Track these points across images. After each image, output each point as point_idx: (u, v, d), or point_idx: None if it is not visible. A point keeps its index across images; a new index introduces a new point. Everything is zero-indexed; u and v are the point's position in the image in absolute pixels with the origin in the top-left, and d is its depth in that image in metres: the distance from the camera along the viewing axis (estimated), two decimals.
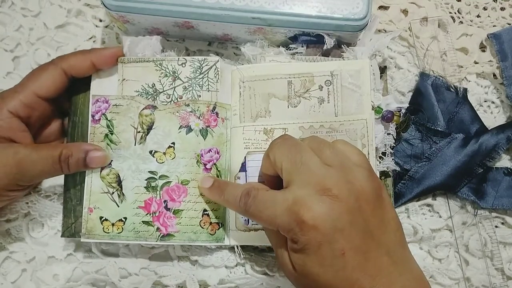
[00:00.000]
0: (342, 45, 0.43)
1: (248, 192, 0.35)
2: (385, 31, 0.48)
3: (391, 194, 0.43)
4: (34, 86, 0.39)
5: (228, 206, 0.40)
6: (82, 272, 0.44)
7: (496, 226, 0.46)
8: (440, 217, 0.46)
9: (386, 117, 0.42)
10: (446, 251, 0.45)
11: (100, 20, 0.49)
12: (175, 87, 0.42)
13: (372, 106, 0.42)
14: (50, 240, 0.45)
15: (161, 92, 0.42)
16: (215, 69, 0.43)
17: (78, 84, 0.42)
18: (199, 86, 0.42)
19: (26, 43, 0.47)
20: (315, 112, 0.42)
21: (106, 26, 0.49)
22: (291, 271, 0.34)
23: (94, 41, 0.48)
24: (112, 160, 0.41)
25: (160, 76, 0.42)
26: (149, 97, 0.42)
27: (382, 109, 0.42)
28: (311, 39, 0.43)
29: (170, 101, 0.42)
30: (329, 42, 0.42)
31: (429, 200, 0.46)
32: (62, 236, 0.42)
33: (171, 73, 0.42)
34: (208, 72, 0.43)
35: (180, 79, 0.42)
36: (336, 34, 0.42)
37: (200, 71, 0.43)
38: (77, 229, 0.42)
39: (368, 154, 0.41)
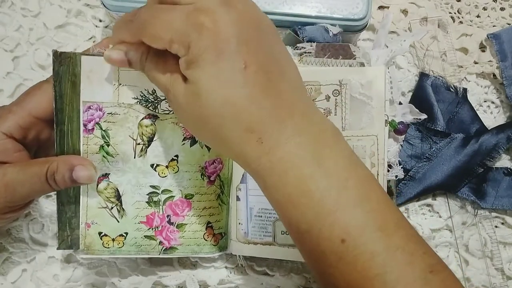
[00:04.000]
0: (355, 45, 0.41)
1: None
2: None
3: (394, 194, 0.43)
4: (29, 106, 0.37)
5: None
6: (82, 272, 0.44)
7: (496, 226, 0.46)
8: (440, 217, 0.46)
9: (399, 131, 0.40)
10: (446, 251, 0.45)
11: (100, 20, 0.49)
12: None
13: (386, 120, 0.39)
14: (50, 241, 0.45)
15: (163, 99, 0.38)
16: None
17: (63, 90, 0.37)
18: None
19: (26, 43, 0.47)
20: None
21: (106, 26, 0.49)
22: (180, 97, 0.30)
23: (94, 41, 0.48)
24: (109, 174, 0.39)
25: None
26: (149, 105, 0.38)
27: (397, 124, 0.40)
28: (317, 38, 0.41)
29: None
30: (335, 30, 0.40)
31: (429, 200, 0.46)
32: (58, 249, 0.39)
33: None
34: None
35: None
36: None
37: None
38: (74, 241, 0.39)
39: (378, 174, 0.38)
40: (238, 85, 0.28)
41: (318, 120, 0.31)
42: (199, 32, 0.28)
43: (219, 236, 0.42)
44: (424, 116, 0.42)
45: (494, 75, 0.48)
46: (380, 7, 0.49)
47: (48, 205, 0.45)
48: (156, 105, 0.38)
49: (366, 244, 0.28)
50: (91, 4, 0.49)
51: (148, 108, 0.38)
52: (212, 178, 0.41)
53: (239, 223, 0.42)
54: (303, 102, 0.31)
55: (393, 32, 0.48)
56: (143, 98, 0.38)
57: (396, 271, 0.27)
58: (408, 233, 0.29)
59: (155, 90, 0.38)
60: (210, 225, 0.41)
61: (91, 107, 0.37)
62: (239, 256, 0.43)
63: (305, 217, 0.29)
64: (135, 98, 0.38)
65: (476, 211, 0.45)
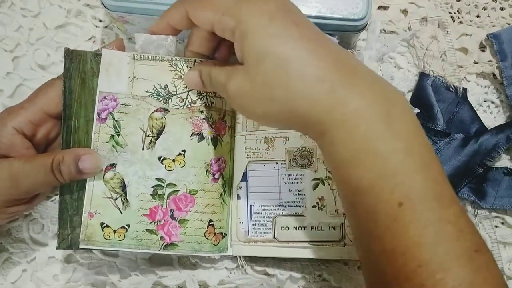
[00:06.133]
0: (350, 49, 0.42)
1: None
2: (385, 31, 0.48)
3: None
4: (41, 102, 0.38)
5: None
6: (82, 272, 0.44)
7: (496, 226, 0.46)
8: None
9: None
10: None
11: (100, 21, 0.49)
12: (189, 91, 0.40)
13: None
14: (50, 241, 0.45)
15: (174, 94, 0.40)
16: None
17: (73, 86, 0.39)
18: (213, 92, 0.41)
19: (25, 43, 0.47)
20: None
21: (106, 27, 0.49)
22: (242, 82, 0.32)
23: (94, 42, 0.48)
24: (117, 164, 0.39)
25: (174, 78, 0.40)
26: (161, 98, 0.40)
27: None
28: None
29: (183, 106, 0.40)
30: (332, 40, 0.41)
31: None
32: (57, 248, 0.39)
33: None
34: None
35: None
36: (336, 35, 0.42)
37: None
38: (74, 240, 0.39)
39: None
40: (296, 39, 0.29)
41: (381, 79, 0.31)
42: (247, 2, 0.31)
43: (219, 236, 0.42)
44: (416, 111, 0.43)
45: (494, 75, 0.48)
46: (380, 7, 0.49)
47: (48, 206, 0.45)
48: (168, 99, 0.40)
49: (422, 212, 0.28)
50: (91, 4, 0.49)
51: (159, 101, 0.40)
52: (216, 176, 0.41)
53: (240, 222, 0.42)
54: (360, 63, 0.31)
55: (393, 32, 0.48)
56: (156, 92, 0.40)
57: (445, 244, 0.27)
58: (460, 210, 0.29)
59: (167, 85, 0.40)
60: (212, 223, 0.41)
61: (106, 97, 0.39)
62: (239, 256, 0.43)
63: (367, 176, 0.28)
64: (148, 91, 0.40)
65: (476, 211, 0.45)
